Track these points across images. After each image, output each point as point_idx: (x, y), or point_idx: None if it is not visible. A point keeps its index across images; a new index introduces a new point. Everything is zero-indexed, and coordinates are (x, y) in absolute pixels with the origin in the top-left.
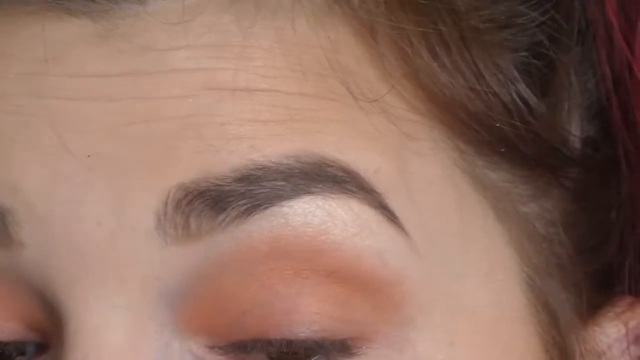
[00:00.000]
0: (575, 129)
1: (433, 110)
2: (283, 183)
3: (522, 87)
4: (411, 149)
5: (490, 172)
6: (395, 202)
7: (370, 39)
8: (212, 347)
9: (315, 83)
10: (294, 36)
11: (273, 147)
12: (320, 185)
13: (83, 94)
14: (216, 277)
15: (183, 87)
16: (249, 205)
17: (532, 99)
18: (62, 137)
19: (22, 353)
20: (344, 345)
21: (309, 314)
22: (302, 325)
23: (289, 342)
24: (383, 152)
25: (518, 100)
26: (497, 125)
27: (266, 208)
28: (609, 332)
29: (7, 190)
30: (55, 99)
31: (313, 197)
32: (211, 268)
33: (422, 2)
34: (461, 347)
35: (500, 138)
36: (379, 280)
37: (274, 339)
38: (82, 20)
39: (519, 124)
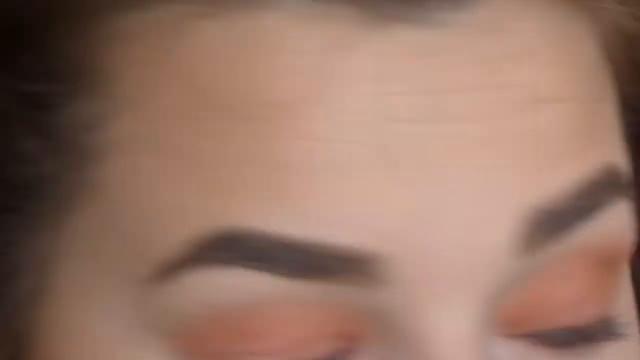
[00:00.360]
0: None
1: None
2: (595, 195)
3: None
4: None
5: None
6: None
7: (606, 29)
8: (513, 337)
9: (594, 85)
10: (573, 36)
11: (588, 159)
12: (616, 194)
13: (432, 116)
14: (540, 280)
15: (514, 102)
16: (576, 219)
17: None
18: (424, 166)
19: None
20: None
21: (597, 307)
22: (589, 318)
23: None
24: (622, 145)
25: None
26: None
27: (586, 220)
28: None
29: (377, 234)
30: (402, 122)
31: (612, 205)
32: (537, 274)
33: None
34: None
35: None
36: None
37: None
38: (407, 30)
39: None
